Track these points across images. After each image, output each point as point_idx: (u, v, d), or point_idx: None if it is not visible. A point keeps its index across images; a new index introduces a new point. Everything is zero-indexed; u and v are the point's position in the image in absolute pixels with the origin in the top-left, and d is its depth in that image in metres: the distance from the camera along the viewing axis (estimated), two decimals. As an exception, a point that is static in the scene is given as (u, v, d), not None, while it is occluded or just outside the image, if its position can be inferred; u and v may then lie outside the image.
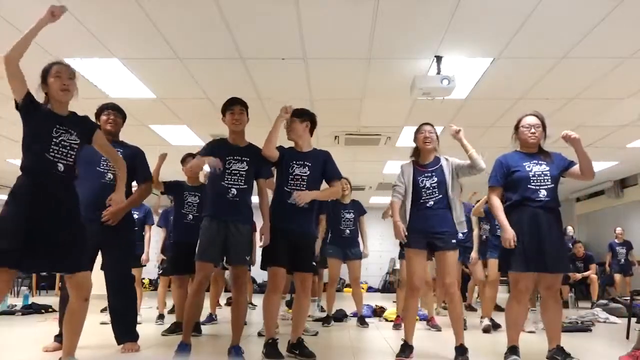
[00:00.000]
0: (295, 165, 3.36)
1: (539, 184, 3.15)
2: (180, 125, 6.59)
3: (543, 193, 3.13)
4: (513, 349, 3.14)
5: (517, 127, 3.32)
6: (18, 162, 2.68)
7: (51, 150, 2.57)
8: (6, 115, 5.52)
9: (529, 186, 3.15)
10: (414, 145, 3.58)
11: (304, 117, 3.46)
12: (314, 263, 3.47)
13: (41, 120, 2.62)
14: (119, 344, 3.43)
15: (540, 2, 3.55)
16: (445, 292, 3.38)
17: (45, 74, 2.68)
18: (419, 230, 3.36)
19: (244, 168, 3.29)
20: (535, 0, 3.55)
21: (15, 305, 6.48)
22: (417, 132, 3.54)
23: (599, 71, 4.76)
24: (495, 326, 4.86)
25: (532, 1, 3.56)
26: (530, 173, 3.17)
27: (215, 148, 3.35)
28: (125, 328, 3.47)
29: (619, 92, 5.29)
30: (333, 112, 6.01)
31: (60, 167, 2.59)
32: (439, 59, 4.43)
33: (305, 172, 3.35)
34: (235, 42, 4.22)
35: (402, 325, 3.74)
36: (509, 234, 3.08)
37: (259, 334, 4.33)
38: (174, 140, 7.14)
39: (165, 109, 5.94)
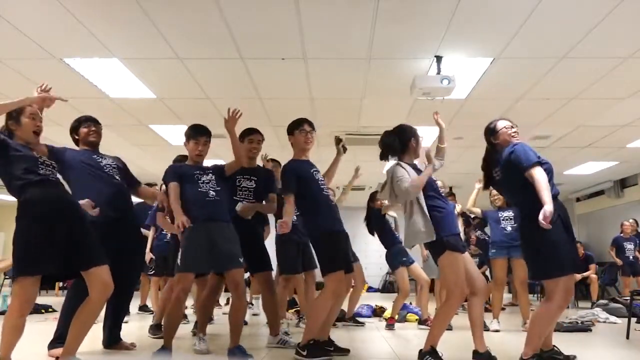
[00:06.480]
0: (319, 174, 3.50)
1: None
2: (180, 125, 6.57)
3: (555, 190, 2.94)
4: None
5: (494, 131, 3.16)
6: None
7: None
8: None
9: (552, 180, 2.92)
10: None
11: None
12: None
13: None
14: (110, 346, 3.44)
15: (540, 2, 3.55)
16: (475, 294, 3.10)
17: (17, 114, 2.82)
18: (458, 232, 3.16)
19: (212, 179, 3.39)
20: (535, 0, 3.55)
21: (15, 305, 6.46)
22: (417, 135, 3.40)
23: (599, 71, 4.75)
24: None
25: (532, 1, 3.56)
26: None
27: (182, 168, 3.44)
28: (118, 331, 3.53)
29: (619, 92, 5.28)
30: (333, 112, 6.01)
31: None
32: (439, 59, 4.43)
33: (322, 179, 3.53)
34: (235, 42, 4.22)
35: (429, 328, 3.35)
36: (551, 208, 2.70)
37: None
38: (174, 140, 7.12)
39: (165, 109, 5.94)
